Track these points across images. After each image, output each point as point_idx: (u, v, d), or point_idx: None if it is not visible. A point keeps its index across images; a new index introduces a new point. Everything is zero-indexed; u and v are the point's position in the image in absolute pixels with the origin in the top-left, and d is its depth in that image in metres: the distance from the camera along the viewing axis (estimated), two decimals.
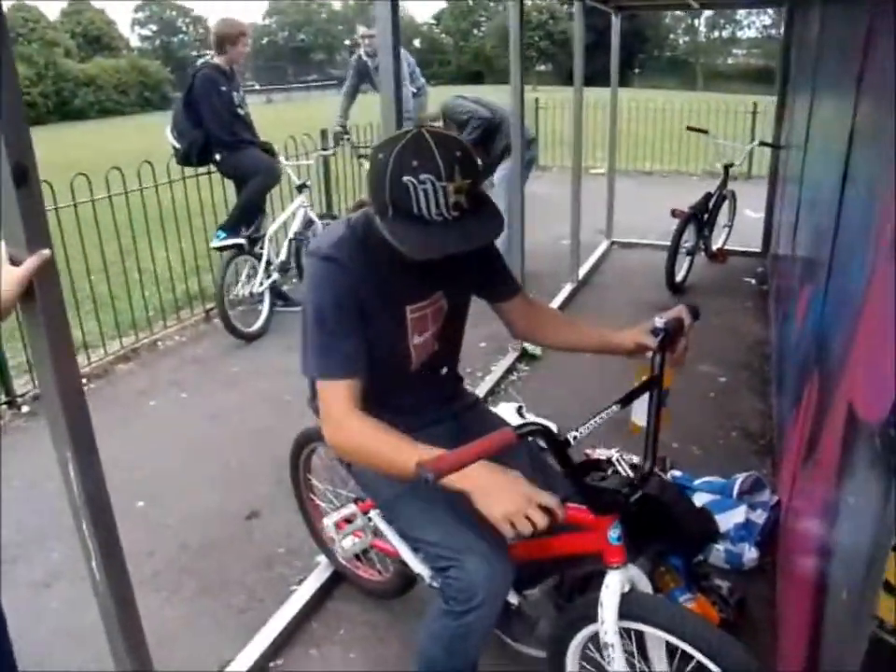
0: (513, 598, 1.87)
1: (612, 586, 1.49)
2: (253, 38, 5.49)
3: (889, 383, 1.10)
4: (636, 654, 1.61)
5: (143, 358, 4.64)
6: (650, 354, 1.64)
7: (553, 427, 2.81)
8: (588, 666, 1.75)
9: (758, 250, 6.30)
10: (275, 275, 5.08)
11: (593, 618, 1.54)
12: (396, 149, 1.39)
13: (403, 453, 1.41)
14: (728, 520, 2.55)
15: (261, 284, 4.96)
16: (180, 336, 4.99)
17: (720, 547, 2.53)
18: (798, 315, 2.88)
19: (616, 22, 6.23)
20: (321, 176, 6.53)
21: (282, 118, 14.24)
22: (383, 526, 2.07)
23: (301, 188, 5.18)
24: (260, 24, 63.10)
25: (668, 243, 5.33)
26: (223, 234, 4.89)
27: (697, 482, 2.80)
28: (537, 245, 5.53)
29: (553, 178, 10.38)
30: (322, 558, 2.58)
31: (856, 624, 1.06)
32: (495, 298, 1.89)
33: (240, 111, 4.89)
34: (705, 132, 6.28)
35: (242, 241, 4.88)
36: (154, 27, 60.44)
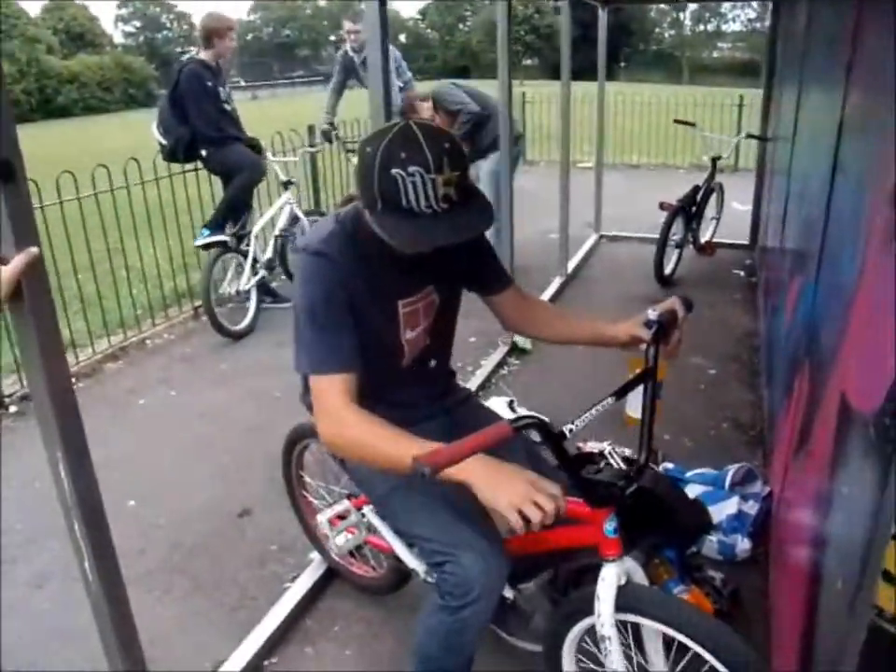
0: (508, 593, 1.87)
1: (609, 579, 1.49)
2: (238, 35, 5.48)
3: (882, 373, 1.10)
4: (632, 647, 1.62)
5: (131, 357, 4.61)
6: (643, 346, 1.65)
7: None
8: (584, 659, 1.76)
9: (746, 242, 6.33)
10: (262, 273, 5.06)
11: (589, 611, 1.54)
12: (384, 142, 1.38)
13: (400, 447, 1.39)
14: (721, 511, 2.56)
15: (248, 281, 4.93)
16: (169, 334, 4.96)
17: (713, 538, 2.53)
18: (788, 306, 2.89)
19: (603, 16, 6.22)
20: (308, 173, 6.50)
21: (267, 114, 14.17)
22: (377, 522, 2.07)
23: (286, 184, 5.14)
24: (245, 20, 62.77)
25: (657, 236, 5.34)
26: (207, 232, 4.86)
27: (689, 473, 2.80)
28: (525, 239, 5.53)
29: (541, 173, 10.37)
30: (315, 555, 2.57)
31: (853, 613, 1.06)
32: (486, 291, 1.88)
33: (226, 107, 4.85)
34: (692, 124, 6.29)
35: (226, 238, 4.86)
36: (138, 23, 59.98)
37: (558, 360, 4.13)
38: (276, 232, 5.20)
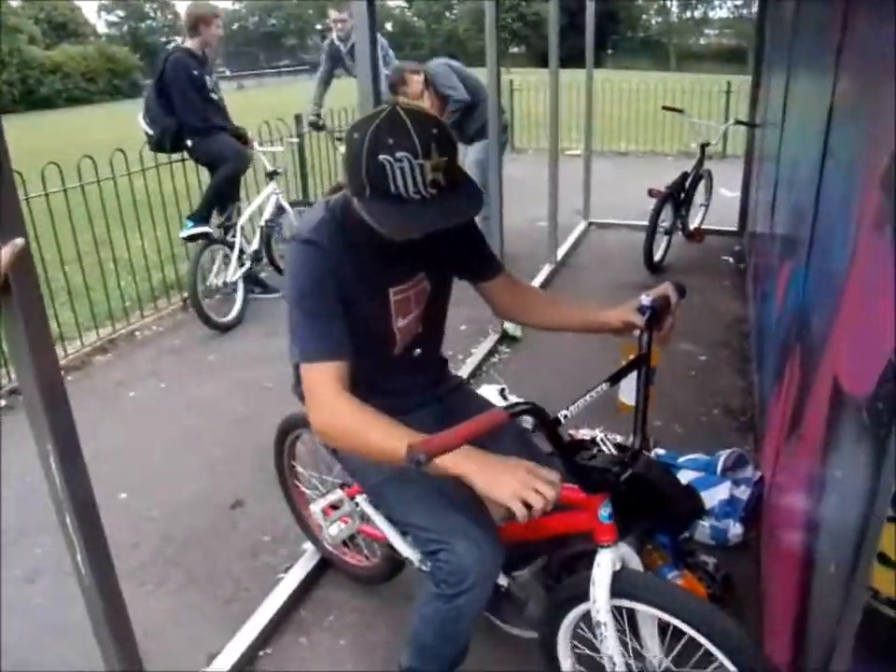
0: (502, 580, 1.87)
1: (604, 565, 1.49)
2: (223, 24, 5.42)
3: (875, 357, 1.10)
4: (627, 632, 1.62)
5: (120, 349, 4.58)
6: (636, 332, 1.64)
7: None
8: (580, 645, 1.76)
9: (734, 229, 6.33)
10: (248, 264, 5.01)
11: (584, 597, 1.54)
12: (371, 128, 1.37)
13: (393, 438, 1.37)
14: (713, 496, 2.57)
15: (235, 273, 4.90)
16: (158, 326, 4.93)
17: (705, 523, 2.55)
18: (778, 292, 2.89)
19: (590, 4, 6.20)
20: (297, 162, 6.46)
21: (254, 104, 14.07)
22: (370, 511, 2.06)
23: (271, 175, 5.10)
24: (231, 9, 62.22)
25: (646, 223, 5.34)
26: (191, 223, 4.83)
27: (681, 459, 2.81)
28: (513, 227, 5.51)
29: (529, 160, 10.35)
30: (308, 545, 2.57)
31: (848, 596, 1.07)
32: (477, 278, 1.87)
33: (213, 96, 4.81)
34: (680, 111, 6.28)
35: (209, 230, 4.83)
36: (121, 13, 59.36)
37: (548, 348, 4.13)
38: (262, 223, 5.16)
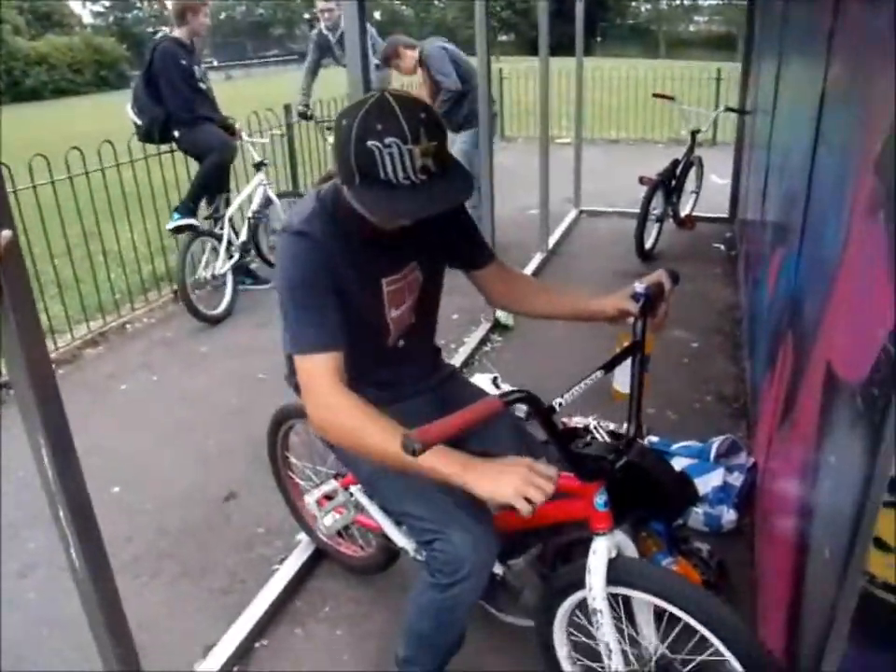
0: (497, 569, 1.87)
1: (600, 552, 1.49)
2: (211, 13, 5.36)
3: (869, 342, 1.10)
4: (623, 619, 1.63)
5: (111, 342, 4.56)
6: (630, 320, 1.64)
7: None
8: (576, 633, 1.77)
9: (725, 216, 6.34)
10: (237, 256, 4.98)
11: (580, 585, 1.54)
12: (360, 115, 1.35)
13: (391, 438, 1.34)
14: (706, 483, 2.57)
15: (223, 265, 4.87)
16: (148, 318, 4.91)
17: (699, 510, 2.55)
18: (770, 278, 2.90)
19: None
20: (286, 153, 6.43)
21: (242, 94, 13.97)
22: (365, 501, 2.06)
23: (258, 166, 5.07)
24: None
25: (637, 210, 5.33)
26: (177, 215, 4.80)
27: (675, 446, 2.82)
28: (504, 215, 5.50)
29: (519, 149, 10.33)
30: (303, 536, 2.57)
31: (843, 580, 1.07)
32: (470, 266, 1.86)
33: (201, 86, 4.77)
34: (671, 98, 6.27)
35: (195, 222, 4.80)
36: (106, 3, 58.74)
37: (540, 336, 4.13)
38: (249, 214, 5.12)
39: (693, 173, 6.03)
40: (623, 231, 5.71)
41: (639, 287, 1.64)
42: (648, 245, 5.44)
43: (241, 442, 3.24)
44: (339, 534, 2.43)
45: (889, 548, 0.93)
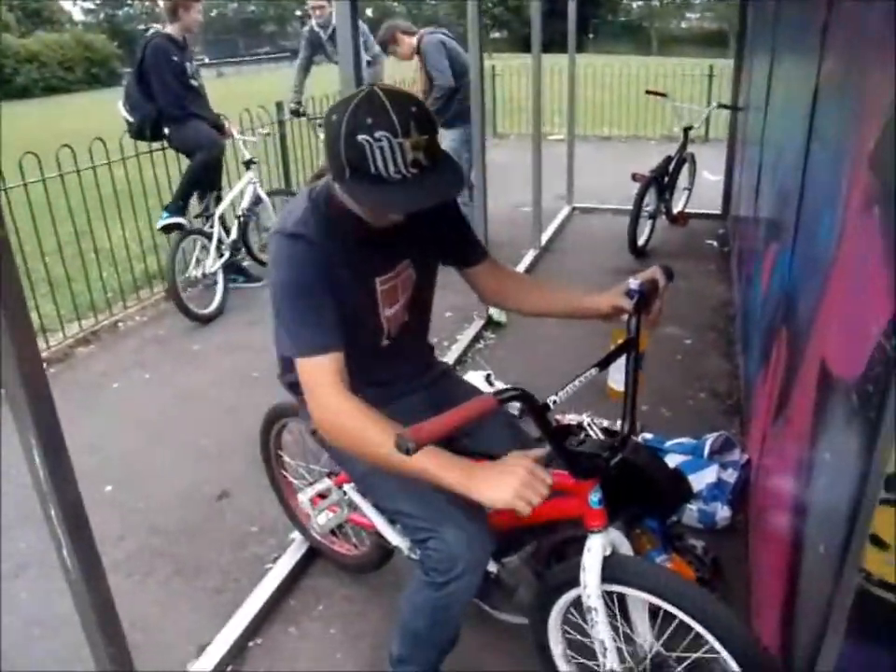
0: (492, 567, 1.87)
1: (594, 550, 1.49)
2: (203, 10, 5.33)
3: (864, 339, 1.10)
4: (618, 616, 1.62)
5: (103, 341, 4.54)
6: (625, 317, 1.63)
7: None
8: (570, 631, 1.76)
9: (718, 212, 6.35)
10: (227, 254, 4.95)
11: (574, 583, 1.54)
12: (349, 109, 1.35)
13: (391, 438, 1.33)
14: (700, 480, 2.57)
15: (213, 264, 4.84)
16: (141, 316, 4.88)
17: (693, 507, 2.55)
18: (763, 275, 2.90)
19: None
20: (279, 151, 6.40)
21: (234, 91, 13.92)
22: (358, 500, 2.05)
23: (248, 164, 5.04)
24: None
25: (630, 207, 5.34)
26: (167, 214, 4.79)
27: (669, 443, 2.82)
28: (497, 212, 5.49)
29: (512, 146, 10.33)
30: (296, 535, 2.56)
31: (839, 578, 1.07)
32: (462, 263, 1.85)
33: (193, 83, 4.75)
34: (664, 95, 6.27)
35: (183, 221, 4.79)
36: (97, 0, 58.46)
37: (533, 333, 4.13)
38: (238, 213, 5.09)
39: (685, 169, 6.04)
40: (616, 227, 5.72)
41: (633, 283, 1.63)
42: (641, 241, 5.45)
43: (234, 441, 3.23)
44: (332, 532, 2.43)
45: (885, 545, 0.93)
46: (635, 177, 5.30)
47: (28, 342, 1.26)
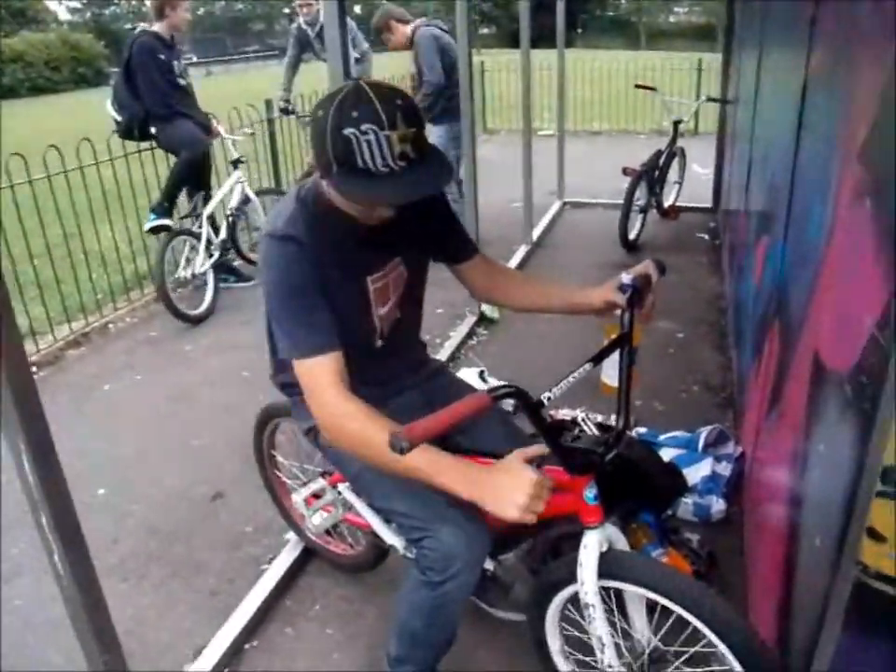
0: (488, 564, 1.87)
1: (591, 546, 1.48)
2: (190, 9, 5.29)
3: (857, 331, 1.10)
4: (615, 612, 1.62)
5: (94, 343, 4.51)
6: (618, 312, 1.63)
7: None
8: (568, 627, 1.76)
9: (709, 206, 6.36)
10: (217, 254, 4.92)
11: (571, 579, 1.54)
12: (335, 103, 1.34)
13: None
14: (695, 473, 2.58)
15: (203, 264, 4.81)
16: (131, 318, 4.86)
17: (688, 500, 2.55)
18: (755, 267, 2.90)
19: None
20: (268, 149, 6.38)
21: (222, 90, 13.87)
22: (353, 499, 2.04)
23: (235, 163, 5.01)
24: None
25: (621, 201, 5.34)
26: (153, 216, 4.76)
27: (662, 437, 2.82)
28: (487, 208, 5.47)
29: (501, 141, 10.33)
30: (291, 535, 2.55)
31: (836, 570, 1.07)
32: (453, 260, 1.84)
33: (180, 81, 4.72)
34: (653, 89, 6.27)
35: (170, 222, 4.76)
36: None
37: (526, 329, 4.13)
38: (227, 212, 5.06)
39: (675, 163, 6.04)
40: (607, 222, 5.71)
41: (626, 278, 1.63)
42: (632, 235, 5.45)
43: (227, 441, 3.22)
44: (327, 532, 2.42)
45: (882, 538, 0.92)
46: (625, 172, 5.30)
47: (15, 345, 1.25)
